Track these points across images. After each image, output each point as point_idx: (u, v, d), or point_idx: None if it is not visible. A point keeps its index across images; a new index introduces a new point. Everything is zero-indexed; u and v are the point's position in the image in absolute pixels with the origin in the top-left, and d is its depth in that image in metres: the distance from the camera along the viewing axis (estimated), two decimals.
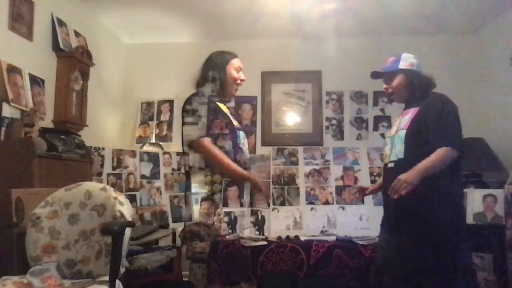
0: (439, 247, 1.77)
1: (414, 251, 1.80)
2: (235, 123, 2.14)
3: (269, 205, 2.01)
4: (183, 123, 2.06)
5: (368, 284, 2.23)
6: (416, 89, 1.95)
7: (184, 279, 3.02)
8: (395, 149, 1.93)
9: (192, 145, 2.07)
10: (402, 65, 1.97)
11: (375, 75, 2.09)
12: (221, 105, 2.12)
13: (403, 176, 1.73)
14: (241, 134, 2.20)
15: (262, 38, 3.90)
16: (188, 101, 2.13)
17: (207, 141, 2.01)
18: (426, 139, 1.83)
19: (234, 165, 2.01)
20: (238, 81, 2.21)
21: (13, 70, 2.42)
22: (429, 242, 1.78)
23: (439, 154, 1.75)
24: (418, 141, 1.84)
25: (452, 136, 1.80)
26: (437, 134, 1.80)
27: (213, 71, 2.14)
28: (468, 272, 1.80)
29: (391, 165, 1.96)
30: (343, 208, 2.95)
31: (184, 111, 2.11)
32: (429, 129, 1.83)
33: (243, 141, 2.21)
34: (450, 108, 1.87)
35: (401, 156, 1.88)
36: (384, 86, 2.06)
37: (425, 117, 1.86)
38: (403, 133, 1.89)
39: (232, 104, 2.36)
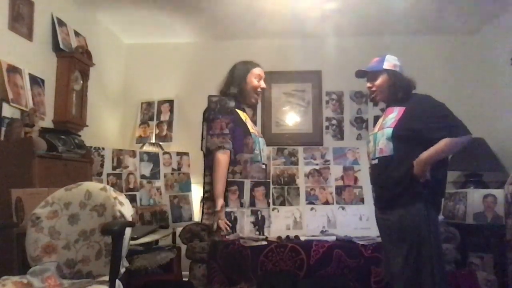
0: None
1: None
2: (252, 130, 2.14)
3: (227, 230, 1.99)
4: (207, 133, 2.08)
5: (368, 284, 2.24)
6: (398, 89, 2.03)
7: (184, 279, 3.02)
8: (378, 146, 2.01)
9: (209, 153, 2.08)
10: (386, 65, 2.05)
11: (359, 74, 2.16)
12: (240, 112, 2.13)
13: (415, 170, 1.86)
14: (261, 140, 2.21)
15: (262, 38, 3.90)
16: (206, 110, 2.14)
17: (221, 156, 2.02)
18: (413, 137, 1.91)
19: (220, 185, 2.01)
20: (258, 89, 2.25)
21: (13, 70, 2.42)
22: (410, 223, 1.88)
23: (439, 145, 1.85)
24: (405, 139, 1.92)
25: (449, 127, 1.88)
26: (437, 131, 1.88)
27: (235, 80, 2.18)
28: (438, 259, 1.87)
29: (375, 161, 2.04)
30: (343, 208, 2.95)
31: (204, 120, 2.13)
32: (418, 128, 1.91)
33: (263, 147, 2.22)
34: (438, 104, 1.96)
35: (388, 153, 1.96)
36: (368, 84, 2.14)
37: (412, 116, 1.94)
38: (389, 131, 1.96)
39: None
